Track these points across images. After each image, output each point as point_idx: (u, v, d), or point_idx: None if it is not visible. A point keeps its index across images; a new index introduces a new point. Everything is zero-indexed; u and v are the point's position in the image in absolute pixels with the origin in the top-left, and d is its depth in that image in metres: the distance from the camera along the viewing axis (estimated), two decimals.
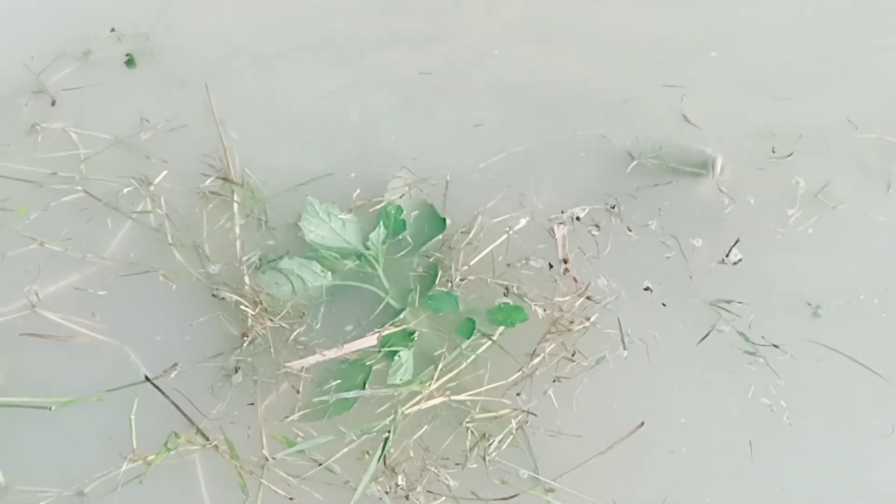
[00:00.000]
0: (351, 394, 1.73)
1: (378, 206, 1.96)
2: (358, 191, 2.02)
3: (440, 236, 1.92)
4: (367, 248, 1.91)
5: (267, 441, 1.72)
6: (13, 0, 2.28)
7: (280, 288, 1.87)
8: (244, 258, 1.92)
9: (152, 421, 1.73)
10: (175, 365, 1.80)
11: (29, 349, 1.85)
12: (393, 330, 1.81)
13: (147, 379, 1.75)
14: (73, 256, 1.94)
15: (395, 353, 1.75)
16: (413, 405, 1.71)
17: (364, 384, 1.75)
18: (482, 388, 1.74)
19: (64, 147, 2.09)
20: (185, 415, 1.73)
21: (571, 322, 1.82)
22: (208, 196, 2.01)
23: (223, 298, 1.86)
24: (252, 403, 1.77)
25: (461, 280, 1.87)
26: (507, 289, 1.87)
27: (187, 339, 1.85)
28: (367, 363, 1.78)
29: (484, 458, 1.68)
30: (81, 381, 1.80)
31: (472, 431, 1.71)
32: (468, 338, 1.79)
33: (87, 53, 2.16)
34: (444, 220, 1.93)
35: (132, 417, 1.71)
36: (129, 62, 2.12)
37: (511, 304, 1.84)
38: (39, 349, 1.84)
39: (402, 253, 1.93)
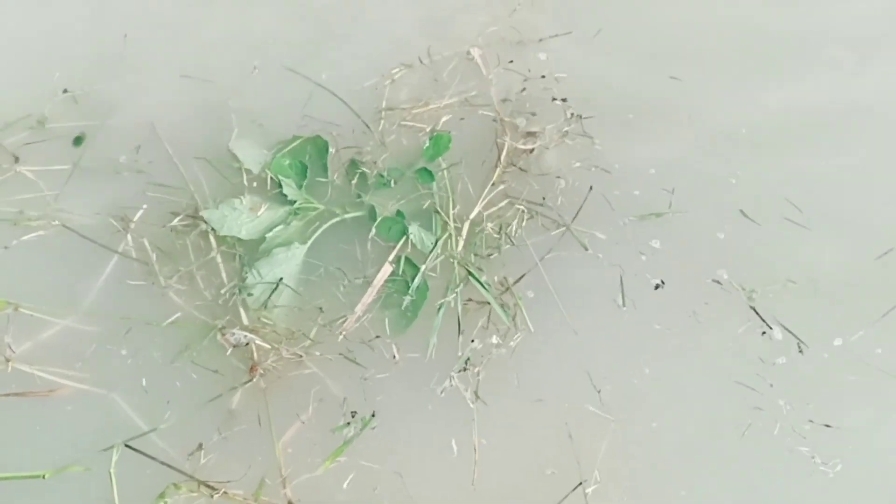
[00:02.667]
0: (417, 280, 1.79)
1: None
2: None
3: (327, 154, 1.92)
4: (294, 202, 1.85)
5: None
6: None
7: (281, 304, 1.78)
8: (223, 290, 1.80)
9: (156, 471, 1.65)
10: (200, 446, 1.68)
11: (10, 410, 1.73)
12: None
13: (127, 446, 1.66)
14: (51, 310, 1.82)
15: (405, 232, 1.83)
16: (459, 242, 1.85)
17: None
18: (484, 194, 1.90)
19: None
20: (178, 470, 1.65)
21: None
22: (181, 231, 1.87)
23: (246, 344, 1.73)
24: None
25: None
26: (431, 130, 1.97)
27: (178, 384, 1.73)
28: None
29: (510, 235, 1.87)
30: (72, 437, 1.69)
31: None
32: (433, 181, 1.90)
33: (41, 121, 2.05)
34: (321, 137, 1.93)
35: (111, 472, 1.61)
36: (78, 140, 2.01)
37: (433, 136, 1.95)
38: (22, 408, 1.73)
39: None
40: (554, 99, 2.01)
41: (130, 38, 2.12)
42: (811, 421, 1.70)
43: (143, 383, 1.72)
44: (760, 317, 1.77)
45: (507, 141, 1.95)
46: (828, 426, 1.69)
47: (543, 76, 2.04)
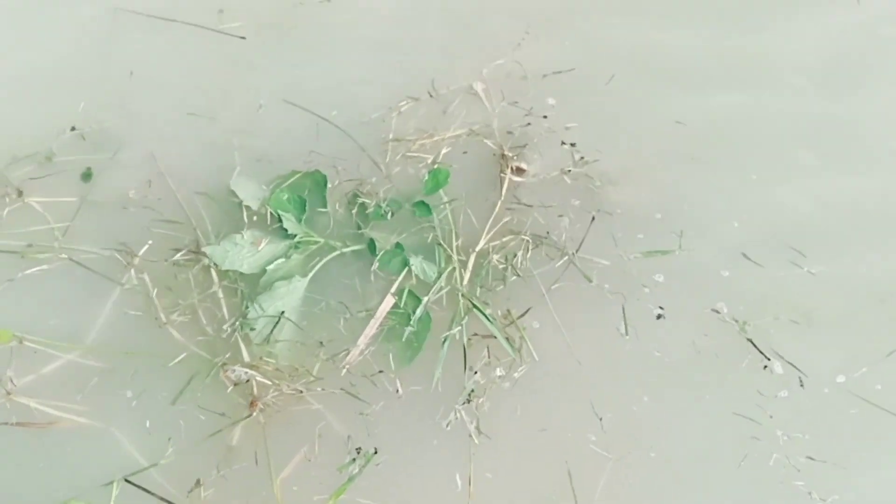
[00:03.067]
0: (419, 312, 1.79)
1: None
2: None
3: (326, 188, 1.95)
4: (294, 237, 1.86)
5: None
6: None
7: (282, 338, 1.78)
8: (225, 325, 1.80)
9: None
10: (199, 482, 1.66)
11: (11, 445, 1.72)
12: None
13: (127, 481, 1.65)
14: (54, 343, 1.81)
15: (406, 264, 1.84)
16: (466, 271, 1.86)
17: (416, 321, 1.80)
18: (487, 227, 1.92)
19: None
20: None
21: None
22: (184, 266, 1.88)
23: (247, 381, 1.73)
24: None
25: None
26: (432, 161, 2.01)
27: (179, 420, 1.72)
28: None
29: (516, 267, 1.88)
30: (72, 472, 1.67)
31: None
32: (431, 214, 1.92)
33: (49, 157, 2.07)
34: (319, 171, 1.96)
35: None
36: (86, 176, 2.03)
37: (432, 170, 1.97)
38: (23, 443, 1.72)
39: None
40: (563, 143, 2.03)
41: (137, 75, 2.16)
42: (810, 458, 1.68)
43: (144, 419, 1.71)
44: (758, 349, 1.77)
45: (508, 175, 1.97)
46: (824, 461, 1.68)
47: (546, 116, 2.07)
